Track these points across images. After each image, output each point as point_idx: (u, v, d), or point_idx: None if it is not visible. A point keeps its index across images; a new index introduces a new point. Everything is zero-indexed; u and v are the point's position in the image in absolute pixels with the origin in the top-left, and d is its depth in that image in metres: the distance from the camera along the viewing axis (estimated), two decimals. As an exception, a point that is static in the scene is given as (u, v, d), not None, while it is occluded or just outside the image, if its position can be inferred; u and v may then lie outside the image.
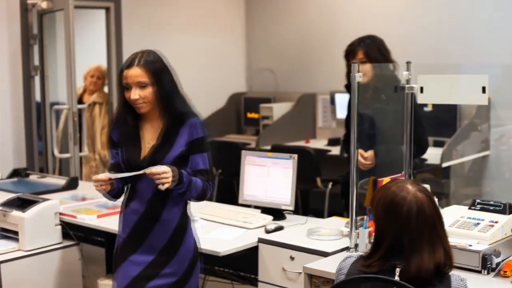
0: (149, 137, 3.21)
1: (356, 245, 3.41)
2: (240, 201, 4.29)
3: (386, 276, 2.31)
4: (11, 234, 4.23)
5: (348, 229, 3.52)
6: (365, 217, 3.40)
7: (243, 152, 4.34)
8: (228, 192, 7.21)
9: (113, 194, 3.23)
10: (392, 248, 2.36)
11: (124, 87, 3.15)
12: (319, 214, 4.69)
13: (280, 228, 3.87)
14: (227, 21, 8.23)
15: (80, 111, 6.07)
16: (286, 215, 4.13)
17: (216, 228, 3.97)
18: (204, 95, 7.83)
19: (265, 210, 4.15)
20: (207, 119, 7.75)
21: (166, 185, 3.00)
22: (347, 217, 3.95)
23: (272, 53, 8.21)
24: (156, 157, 3.13)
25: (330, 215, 5.40)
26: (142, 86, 3.10)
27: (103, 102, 6.86)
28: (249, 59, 8.40)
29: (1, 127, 6.34)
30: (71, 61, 5.80)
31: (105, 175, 3.09)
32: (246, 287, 4.21)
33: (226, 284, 4.35)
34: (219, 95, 8.06)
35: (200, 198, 3.21)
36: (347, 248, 3.45)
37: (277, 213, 4.10)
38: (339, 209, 5.27)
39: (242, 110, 8.10)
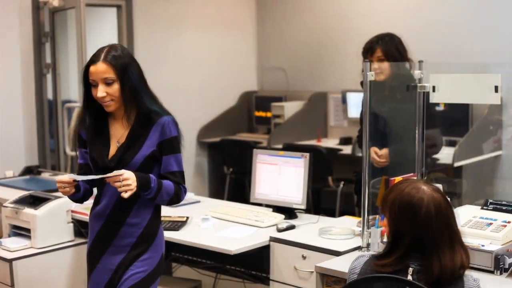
0: (118, 136, 3.05)
1: (368, 245, 3.40)
2: (251, 200, 4.29)
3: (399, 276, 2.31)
4: (23, 232, 4.24)
5: (360, 229, 3.51)
6: (377, 216, 3.39)
7: (255, 150, 4.34)
8: (239, 190, 7.21)
9: (78, 196, 3.09)
10: (410, 249, 2.36)
11: (89, 84, 2.97)
12: (331, 213, 4.68)
13: (292, 227, 3.86)
14: (239, 19, 8.22)
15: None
16: (298, 214, 4.13)
17: (227, 226, 3.97)
18: (215, 93, 7.84)
19: (277, 209, 4.14)
20: (218, 118, 7.79)
21: (129, 193, 2.84)
22: (359, 215, 3.95)
23: (283, 52, 8.19)
24: (124, 157, 2.99)
25: (341, 214, 5.40)
26: (108, 82, 2.93)
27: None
28: (260, 57, 8.39)
29: (13, 125, 6.36)
30: (83, 58, 5.82)
31: (69, 177, 2.95)
32: (257, 286, 4.22)
33: (237, 283, 4.35)
34: (230, 94, 8.05)
35: (172, 202, 3.06)
36: (359, 248, 3.45)
37: (289, 212, 4.09)
38: (350, 208, 5.27)
39: (253, 108, 8.10)
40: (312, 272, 3.45)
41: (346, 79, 7.15)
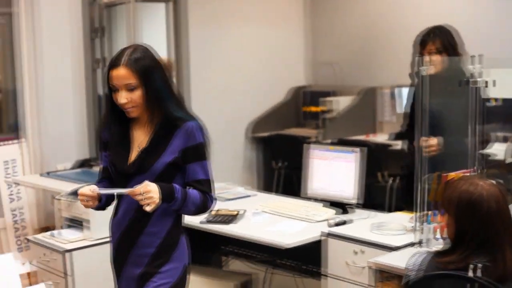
0: (140, 141, 2.91)
1: (421, 241, 3.38)
2: (303, 195, 4.28)
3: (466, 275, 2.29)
4: (76, 224, 4.31)
5: (413, 224, 3.49)
6: (430, 212, 3.37)
7: (307, 145, 4.33)
8: (288, 185, 7.21)
9: (100, 206, 2.96)
10: (472, 246, 2.34)
11: (111, 89, 2.84)
12: (381, 209, 4.66)
13: (344, 222, 3.85)
14: (289, 14, 8.20)
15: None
16: (349, 209, 4.11)
17: (279, 221, 3.97)
18: (265, 88, 7.84)
19: (331, 203, 4.13)
20: (268, 113, 7.78)
21: (153, 206, 2.70)
22: (408, 210, 3.93)
23: (333, 46, 8.15)
24: (144, 163, 2.85)
25: (391, 210, 5.36)
26: (130, 88, 2.78)
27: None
28: (309, 52, 8.36)
29: (64, 119, 6.44)
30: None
31: (93, 190, 2.81)
32: (308, 281, 4.21)
33: (288, 277, 4.35)
34: (280, 89, 8.04)
35: (199, 212, 2.91)
36: (411, 244, 3.43)
37: (341, 207, 4.08)
38: (400, 204, 5.23)
39: (303, 103, 8.07)
40: (364, 267, 3.44)
41: (397, 74, 7.07)
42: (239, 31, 7.63)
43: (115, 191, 2.86)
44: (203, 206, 2.90)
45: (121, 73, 2.78)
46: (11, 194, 6.06)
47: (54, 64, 6.30)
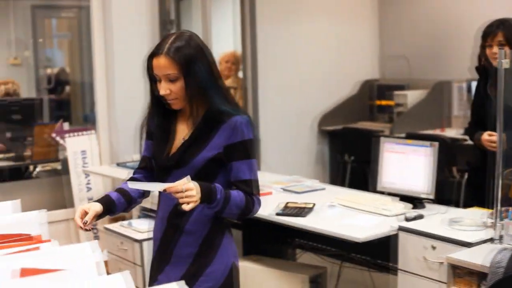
0: (182, 134, 2.74)
1: (501, 237, 3.31)
2: (378, 188, 4.24)
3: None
4: (152, 213, 4.36)
5: (492, 220, 3.43)
6: (510, 208, 3.31)
7: (382, 139, 4.29)
8: (357, 179, 7.17)
9: (122, 208, 2.79)
10: None
11: (151, 78, 2.70)
12: (450, 204, 4.59)
13: (420, 217, 3.80)
14: (360, 6, 8.14)
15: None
16: (425, 204, 4.06)
17: (353, 214, 3.95)
18: (336, 81, 7.80)
19: (403, 198, 4.09)
20: (339, 106, 7.74)
21: (191, 205, 2.50)
22: (479, 206, 3.87)
23: (405, 39, 8.06)
24: (185, 157, 2.68)
25: (459, 205, 5.28)
26: (171, 79, 2.62)
27: (238, 87, 6.96)
28: (381, 45, 8.28)
29: (134, 111, 6.49)
30: (208, 46, 5.88)
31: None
32: (382, 275, 4.19)
33: (362, 271, 4.33)
34: (351, 82, 7.99)
35: (243, 215, 2.70)
36: (490, 240, 3.37)
37: (416, 202, 4.03)
38: (469, 199, 5.14)
39: (375, 97, 8.01)
40: (442, 263, 3.39)
41: (470, 67, 6.96)
42: (308, 25, 7.60)
43: (152, 186, 2.71)
44: (248, 209, 2.69)
45: (162, 63, 2.61)
46: (88, 184, 6.18)
47: (125, 57, 6.37)
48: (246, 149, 2.68)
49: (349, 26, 8.00)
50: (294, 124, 7.35)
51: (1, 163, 6.44)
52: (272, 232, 4.40)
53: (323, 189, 4.62)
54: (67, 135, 6.21)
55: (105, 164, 6.16)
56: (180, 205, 2.52)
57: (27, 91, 8.44)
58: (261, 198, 2.75)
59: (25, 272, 1.99)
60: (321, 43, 7.69)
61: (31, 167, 6.82)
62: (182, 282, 1.65)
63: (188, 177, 2.52)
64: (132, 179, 2.89)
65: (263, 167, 6.87)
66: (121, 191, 2.81)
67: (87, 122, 8.56)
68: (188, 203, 2.49)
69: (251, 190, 2.70)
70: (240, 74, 7.14)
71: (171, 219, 2.76)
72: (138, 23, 6.43)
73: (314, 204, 4.05)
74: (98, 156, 6.29)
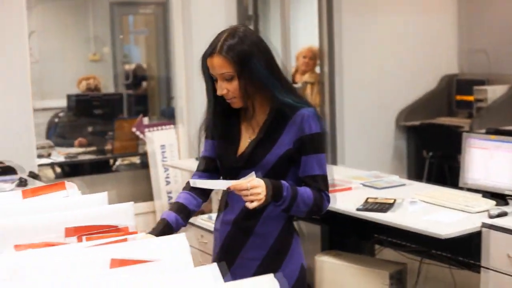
0: (249, 132, 2.65)
1: None
2: (460, 185, 4.17)
3: None
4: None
5: None
6: None
7: (465, 134, 4.21)
8: (439, 175, 7.08)
9: (180, 227, 2.63)
10: None
11: (208, 78, 2.61)
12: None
13: (503, 214, 3.72)
14: (441, 0, 8.02)
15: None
16: (509, 200, 3.98)
17: (435, 210, 3.89)
18: (415, 76, 7.70)
19: (487, 194, 4.01)
20: (418, 101, 7.65)
21: (256, 204, 2.40)
22: None
23: (485, 33, 7.90)
24: (254, 156, 2.59)
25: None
26: (227, 78, 2.52)
27: (315, 82, 6.95)
28: (461, 40, 8.14)
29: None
30: (286, 42, 5.89)
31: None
32: (464, 273, 4.12)
33: (443, 268, 4.27)
34: (430, 77, 7.87)
35: (312, 213, 2.60)
36: None
37: (500, 198, 3.95)
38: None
39: (454, 92, 7.88)
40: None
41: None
42: (390, 19, 7.52)
43: (216, 184, 2.57)
44: (316, 206, 2.58)
45: (216, 62, 2.52)
46: (167, 177, 6.27)
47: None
48: (314, 143, 2.58)
49: (432, 20, 7.88)
50: (372, 119, 7.29)
51: (83, 156, 6.58)
52: (351, 227, 4.38)
53: (403, 184, 4.57)
54: (147, 129, 6.30)
55: (184, 158, 6.24)
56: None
57: (106, 87, 8.59)
58: (341, 193, 2.65)
59: (115, 263, 2.02)
60: (399, 36, 7.61)
61: (111, 161, 6.96)
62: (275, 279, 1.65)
63: (253, 174, 2.45)
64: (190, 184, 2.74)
65: (341, 162, 6.85)
66: (178, 208, 2.66)
67: (164, 116, 8.67)
68: (253, 201, 2.41)
69: (320, 186, 2.59)
70: (318, 69, 7.12)
71: (239, 221, 2.66)
72: (216, 19, 6.46)
73: (394, 200, 4.01)
74: (177, 150, 6.36)
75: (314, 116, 2.57)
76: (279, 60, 2.66)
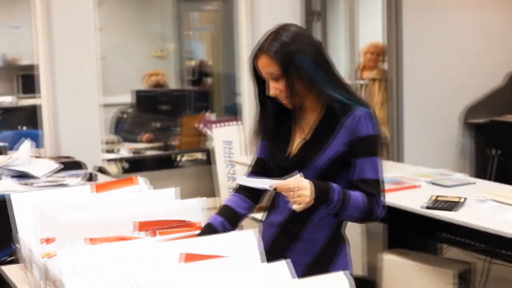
0: (301, 131, 2.57)
1: None
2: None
3: None
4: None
5: None
6: None
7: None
8: (505, 173, 6.96)
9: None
10: None
11: (257, 79, 2.56)
12: None
13: None
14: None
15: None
16: None
17: (505, 210, 3.81)
18: (481, 73, 7.58)
19: (558, 194, 3.94)
20: (484, 98, 7.53)
21: (302, 206, 2.31)
22: None
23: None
24: (305, 157, 2.50)
25: None
26: (275, 78, 2.47)
27: (381, 79, 6.89)
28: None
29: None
30: (354, 37, 5.84)
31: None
32: (534, 273, 4.05)
33: (510, 269, 4.20)
34: (497, 74, 7.74)
35: (364, 218, 2.47)
36: None
37: None
38: None
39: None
40: None
41: None
42: (454, 15, 7.41)
43: (262, 183, 2.43)
44: (368, 212, 2.45)
45: (263, 62, 2.48)
46: (231, 173, 6.30)
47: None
48: (369, 145, 2.47)
49: (497, 16, 7.74)
50: (438, 116, 7.21)
51: (148, 152, 6.66)
52: (418, 225, 4.33)
53: (471, 183, 4.50)
54: (213, 125, 6.34)
55: (249, 155, 6.25)
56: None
57: (171, 83, 8.68)
58: (409, 191, 2.49)
59: (187, 258, 2.04)
60: (468, 33, 7.49)
61: (175, 157, 7.03)
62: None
63: (300, 174, 2.35)
64: (240, 187, 2.71)
65: (406, 160, 6.79)
66: (225, 212, 2.64)
67: (226, 113, 8.72)
68: (299, 203, 2.32)
69: (373, 191, 2.47)
70: (384, 66, 7.05)
71: (286, 225, 2.58)
72: (283, 15, 6.44)
73: (464, 198, 3.96)
74: (241, 146, 6.38)
75: (369, 117, 2.48)
76: (335, 59, 2.59)
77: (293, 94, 2.46)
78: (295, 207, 2.31)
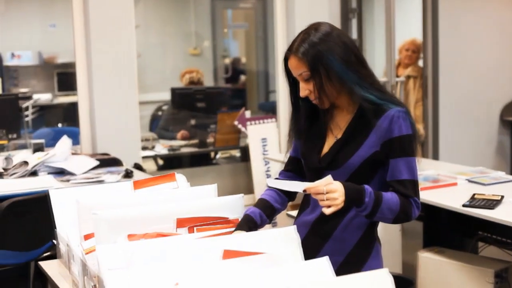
0: (336, 132, 2.53)
1: None
2: None
3: None
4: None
5: None
6: None
7: None
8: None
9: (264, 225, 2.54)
10: None
11: (290, 79, 2.56)
12: None
13: None
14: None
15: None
16: None
17: (545, 208, 3.79)
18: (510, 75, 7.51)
19: None
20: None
21: (333, 209, 2.27)
22: None
23: None
24: (338, 157, 2.46)
25: None
26: (305, 79, 2.44)
27: (418, 76, 6.84)
28: None
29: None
30: (391, 34, 5.80)
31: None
32: None
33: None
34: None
35: (398, 220, 2.42)
36: None
37: None
38: None
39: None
40: None
41: None
42: (491, 10, 7.33)
43: (292, 186, 2.45)
44: (404, 214, 2.41)
45: (292, 63, 2.46)
46: (267, 171, 6.30)
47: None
48: (403, 145, 2.41)
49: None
50: (475, 113, 7.15)
51: (185, 149, 6.69)
52: (455, 223, 4.30)
53: (511, 181, 4.46)
54: (248, 123, 6.35)
55: (284, 152, 6.24)
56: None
57: (205, 80, 8.71)
58: (446, 189, 2.42)
59: (228, 254, 2.05)
60: (504, 30, 7.41)
61: (212, 154, 7.05)
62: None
63: (330, 177, 2.31)
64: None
65: (442, 157, 6.74)
66: (262, 205, 2.61)
67: (262, 110, 8.72)
68: (329, 206, 2.28)
69: (408, 192, 2.42)
70: (421, 63, 7.01)
71: (316, 224, 2.55)
72: (319, 13, 6.42)
73: (502, 196, 3.92)
74: (278, 143, 6.39)
75: (404, 116, 2.42)
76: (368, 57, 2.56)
77: (323, 95, 2.44)
78: (326, 210, 2.27)
